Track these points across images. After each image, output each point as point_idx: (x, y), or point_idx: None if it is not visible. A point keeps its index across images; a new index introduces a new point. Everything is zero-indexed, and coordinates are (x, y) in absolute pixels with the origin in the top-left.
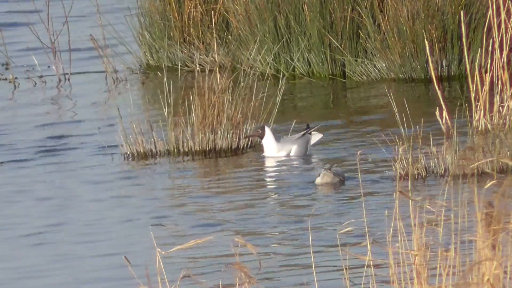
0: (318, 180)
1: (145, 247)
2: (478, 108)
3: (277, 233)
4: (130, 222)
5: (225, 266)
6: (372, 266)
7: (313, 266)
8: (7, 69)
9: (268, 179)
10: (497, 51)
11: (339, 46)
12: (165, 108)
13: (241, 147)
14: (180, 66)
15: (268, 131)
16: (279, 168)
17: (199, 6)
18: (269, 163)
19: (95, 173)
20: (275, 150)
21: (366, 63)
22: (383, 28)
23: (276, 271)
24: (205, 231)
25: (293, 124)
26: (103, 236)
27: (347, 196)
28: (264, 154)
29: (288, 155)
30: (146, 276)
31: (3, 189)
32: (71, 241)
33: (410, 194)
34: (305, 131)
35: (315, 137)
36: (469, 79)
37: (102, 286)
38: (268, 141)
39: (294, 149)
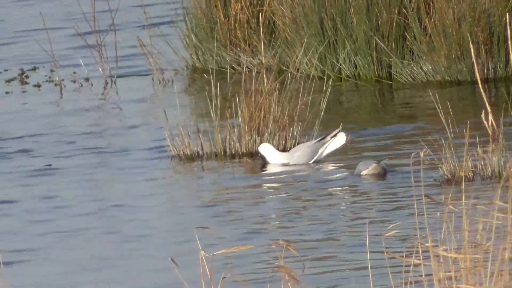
0: (364, 172)
1: (191, 249)
2: None
3: (326, 238)
4: (176, 224)
5: (272, 269)
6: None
7: (369, 267)
8: (52, 71)
9: (314, 184)
10: None
11: (386, 48)
12: (211, 110)
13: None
14: (227, 68)
15: (265, 149)
16: (324, 172)
17: (245, 8)
18: (313, 167)
19: (142, 176)
20: (280, 163)
21: (412, 65)
22: (429, 31)
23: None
24: (251, 236)
25: (340, 126)
26: (150, 238)
27: (395, 198)
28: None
29: (290, 163)
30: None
31: (50, 190)
32: (117, 241)
33: (463, 197)
34: (322, 137)
35: (337, 143)
36: None
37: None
38: (271, 158)
39: (296, 156)
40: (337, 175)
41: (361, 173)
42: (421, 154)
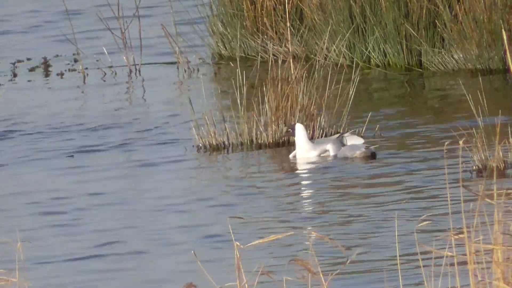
0: (355, 154)
1: (224, 239)
2: None
3: (357, 226)
4: (206, 214)
5: (288, 261)
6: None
7: (398, 263)
8: (76, 60)
9: (340, 174)
10: None
11: (416, 35)
12: (238, 99)
13: (316, 137)
14: (253, 56)
15: (299, 130)
16: (352, 164)
17: None
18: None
19: (168, 166)
20: (306, 149)
21: (443, 53)
22: (460, 18)
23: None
24: (285, 225)
25: (369, 116)
26: (178, 230)
27: (426, 189)
28: (294, 154)
29: (320, 155)
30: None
31: (75, 179)
32: (145, 236)
33: (494, 188)
34: (339, 134)
35: (352, 141)
36: None
37: (178, 278)
38: (299, 140)
39: (331, 148)
40: (365, 166)
41: (348, 155)
42: (460, 143)
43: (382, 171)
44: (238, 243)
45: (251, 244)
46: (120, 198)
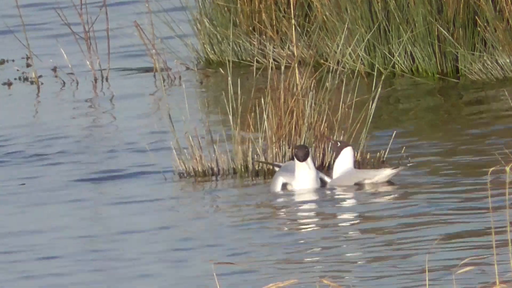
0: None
1: None
2: None
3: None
4: (186, 260)
5: None
6: None
7: None
8: (28, 65)
9: (358, 207)
10: None
11: (451, 37)
12: (229, 115)
13: (326, 165)
14: (249, 61)
15: (348, 153)
16: (365, 194)
17: None
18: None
19: (142, 198)
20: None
21: (484, 57)
22: (506, 14)
23: None
24: (284, 272)
25: (393, 135)
26: (154, 280)
27: (471, 225)
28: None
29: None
30: None
31: (25, 219)
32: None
33: None
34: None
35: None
36: None
37: None
38: (344, 165)
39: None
40: (388, 202)
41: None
42: (507, 169)
43: (408, 209)
44: None
45: None
46: (84, 239)
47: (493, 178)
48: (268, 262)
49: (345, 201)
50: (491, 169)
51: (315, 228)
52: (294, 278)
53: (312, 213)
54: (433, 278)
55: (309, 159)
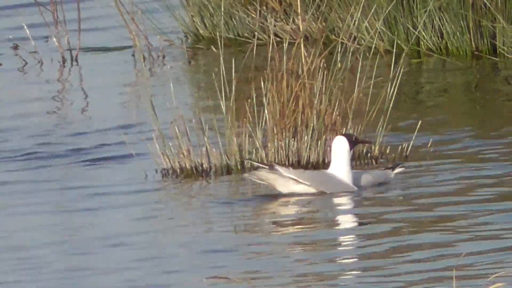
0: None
1: None
2: None
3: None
4: (172, 272)
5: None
6: None
7: None
8: None
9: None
10: None
11: (487, 8)
12: (222, 101)
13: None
14: (246, 37)
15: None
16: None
17: None
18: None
19: (119, 199)
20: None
21: None
22: None
23: None
24: (283, 284)
25: (418, 125)
26: None
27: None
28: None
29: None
30: None
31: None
32: None
33: None
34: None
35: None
36: None
37: None
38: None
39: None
40: (403, 205)
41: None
42: None
43: (434, 210)
44: None
45: None
46: (54, 250)
47: None
48: (264, 276)
49: (341, 206)
50: None
51: (320, 239)
52: None
53: (315, 219)
54: None
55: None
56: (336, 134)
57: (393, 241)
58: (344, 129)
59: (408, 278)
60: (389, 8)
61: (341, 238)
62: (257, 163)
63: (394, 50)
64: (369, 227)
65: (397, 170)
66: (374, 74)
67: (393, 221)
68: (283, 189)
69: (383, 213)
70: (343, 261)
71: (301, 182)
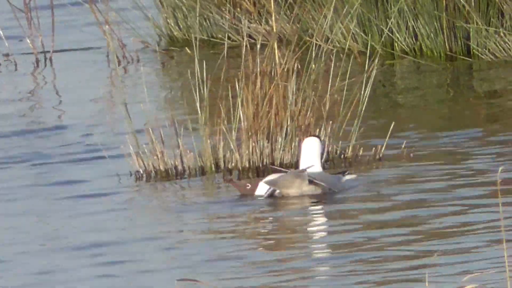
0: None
1: None
2: None
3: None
4: (143, 274)
5: None
6: None
7: None
8: None
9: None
10: None
11: (462, 8)
12: (197, 102)
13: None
14: (220, 39)
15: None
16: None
17: None
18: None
19: (92, 203)
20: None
21: (501, 34)
22: None
23: None
24: (253, 286)
25: (391, 127)
26: None
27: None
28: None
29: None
30: None
31: None
32: None
33: None
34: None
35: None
36: None
37: None
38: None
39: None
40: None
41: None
42: (500, 171)
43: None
44: None
45: None
46: (30, 253)
47: (504, 178)
48: (236, 279)
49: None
50: (500, 169)
51: (300, 240)
52: None
53: (288, 220)
54: None
55: None
56: (309, 135)
57: (364, 238)
58: (318, 130)
59: (381, 279)
60: (360, 8)
61: (314, 237)
62: (279, 168)
63: (368, 51)
64: (340, 226)
65: (347, 176)
66: (348, 76)
67: (365, 220)
68: (292, 192)
69: (354, 211)
70: (317, 255)
71: (317, 184)
